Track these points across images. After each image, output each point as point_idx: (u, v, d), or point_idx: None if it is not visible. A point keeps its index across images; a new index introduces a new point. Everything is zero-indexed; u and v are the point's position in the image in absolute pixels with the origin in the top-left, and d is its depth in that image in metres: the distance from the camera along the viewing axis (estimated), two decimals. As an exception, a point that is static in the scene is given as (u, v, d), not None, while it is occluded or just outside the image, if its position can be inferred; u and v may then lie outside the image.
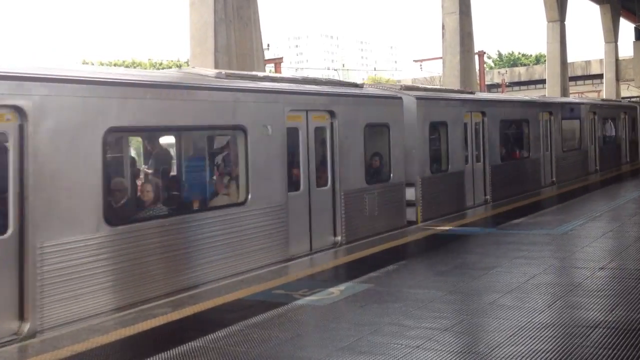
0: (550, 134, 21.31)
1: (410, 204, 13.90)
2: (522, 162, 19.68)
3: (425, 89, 16.87)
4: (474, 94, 18.97)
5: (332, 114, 11.62)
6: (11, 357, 6.09)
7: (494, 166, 17.53)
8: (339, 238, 11.55)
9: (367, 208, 12.27)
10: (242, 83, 10.24)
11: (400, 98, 13.88)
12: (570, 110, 23.57)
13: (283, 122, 10.47)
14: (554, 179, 21.42)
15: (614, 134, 28.06)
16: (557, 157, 21.63)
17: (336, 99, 11.91)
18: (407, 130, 13.91)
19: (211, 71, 10.48)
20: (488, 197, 17.15)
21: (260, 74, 12.08)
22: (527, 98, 21.65)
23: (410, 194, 13.88)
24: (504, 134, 18.75)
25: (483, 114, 17.19)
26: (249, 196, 9.79)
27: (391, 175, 13.28)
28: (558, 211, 15.13)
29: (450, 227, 13.04)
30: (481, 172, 17.10)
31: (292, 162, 10.90)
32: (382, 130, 13.28)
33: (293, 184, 10.83)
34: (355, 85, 13.73)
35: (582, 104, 25.34)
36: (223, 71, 10.44)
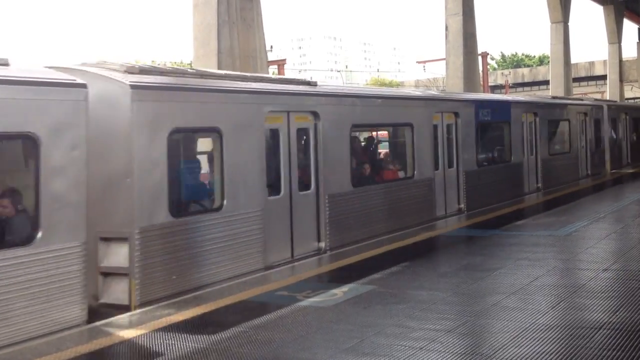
0: (457, 144, 15.33)
1: (120, 273, 8.12)
2: (395, 186, 13.25)
3: (195, 75, 9.68)
4: (315, 85, 11.65)
5: None
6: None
7: (334, 196, 11.28)
8: None
9: None
10: None
11: (83, 85, 7.50)
12: (493, 110, 17.11)
13: None
14: (462, 205, 15.34)
15: (568, 139, 22.02)
16: (467, 176, 15.48)
17: None
18: (113, 145, 8.21)
19: None
20: (324, 244, 10.92)
21: None
22: (415, 93, 15.64)
23: (118, 256, 8.16)
24: (362, 145, 13.89)
25: (315, 116, 11.03)
26: None
27: (39, 232, 6.97)
28: (561, 212, 15.10)
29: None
30: (312, 204, 10.91)
31: None
32: (17, 148, 7.47)
33: None
34: None
35: (513, 102, 19.07)
36: None
